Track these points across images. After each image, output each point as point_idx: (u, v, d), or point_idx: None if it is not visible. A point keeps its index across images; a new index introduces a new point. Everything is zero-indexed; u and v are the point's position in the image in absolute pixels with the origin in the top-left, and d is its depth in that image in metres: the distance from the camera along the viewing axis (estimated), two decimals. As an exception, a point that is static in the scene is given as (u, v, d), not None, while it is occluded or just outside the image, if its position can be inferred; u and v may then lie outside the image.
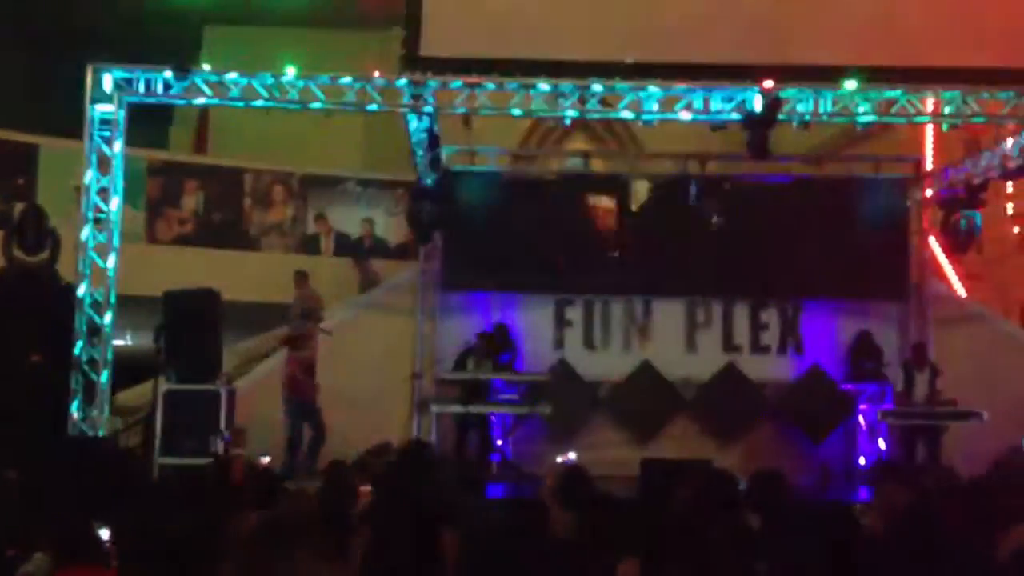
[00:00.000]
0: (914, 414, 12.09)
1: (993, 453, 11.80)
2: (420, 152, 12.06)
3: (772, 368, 13.25)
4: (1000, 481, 8.53)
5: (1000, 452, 11.90)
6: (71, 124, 11.54)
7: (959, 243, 12.96)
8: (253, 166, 15.93)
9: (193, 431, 10.34)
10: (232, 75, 10.82)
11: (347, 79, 10.83)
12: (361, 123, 15.38)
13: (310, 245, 16.16)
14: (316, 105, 10.90)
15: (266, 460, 10.49)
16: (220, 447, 10.27)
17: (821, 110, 10.83)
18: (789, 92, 10.54)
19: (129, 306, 11.36)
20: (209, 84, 10.89)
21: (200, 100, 11.14)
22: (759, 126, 10.40)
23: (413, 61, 10.74)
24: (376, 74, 10.87)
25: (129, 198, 11.94)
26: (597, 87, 10.71)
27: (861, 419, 12.86)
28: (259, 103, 10.91)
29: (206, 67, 11.09)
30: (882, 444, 12.61)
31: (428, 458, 6.87)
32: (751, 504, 5.94)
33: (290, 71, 10.76)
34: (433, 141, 11.87)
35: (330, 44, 15.81)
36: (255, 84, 10.82)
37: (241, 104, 11.04)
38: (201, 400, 10.50)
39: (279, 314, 12.85)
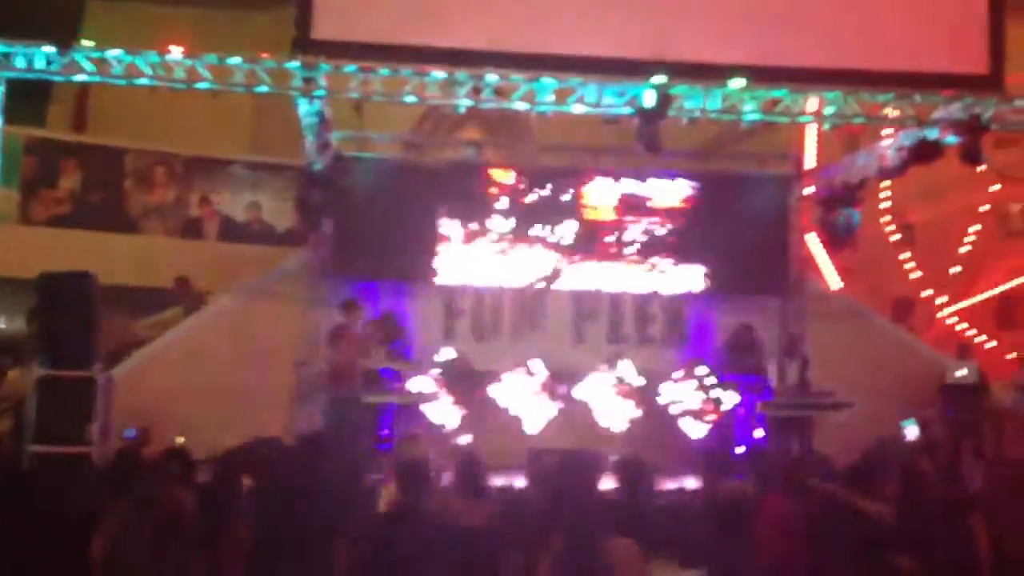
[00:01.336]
0: (790, 405, 12.44)
1: (865, 442, 12.25)
2: (310, 136, 11.87)
3: (657, 359, 13.46)
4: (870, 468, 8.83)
5: (871, 441, 12.38)
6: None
7: (837, 240, 13.40)
8: (135, 146, 15.47)
9: (67, 419, 9.98)
10: (115, 52, 10.44)
11: (235, 59, 10.57)
12: (249, 105, 15.08)
13: (193, 229, 15.79)
14: (203, 85, 10.61)
15: (180, 440, 10.22)
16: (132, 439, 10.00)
17: (709, 107, 11.04)
18: (679, 89, 10.72)
19: (1, 289, 10.92)
20: (91, 61, 10.49)
21: (82, 77, 10.72)
22: (650, 121, 10.55)
23: (305, 44, 10.52)
24: (266, 56, 10.65)
25: (4, 177, 11.48)
26: (492, 77, 10.70)
27: (741, 410, 13.17)
28: (143, 82, 10.57)
29: (88, 43, 10.67)
30: (760, 434, 12.94)
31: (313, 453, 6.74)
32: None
33: (176, 50, 10.46)
34: (324, 126, 11.70)
35: (218, 23, 15.45)
36: (139, 62, 10.48)
37: (124, 82, 10.66)
38: (76, 387, 10.13)
39: (159, 299, 12.52)
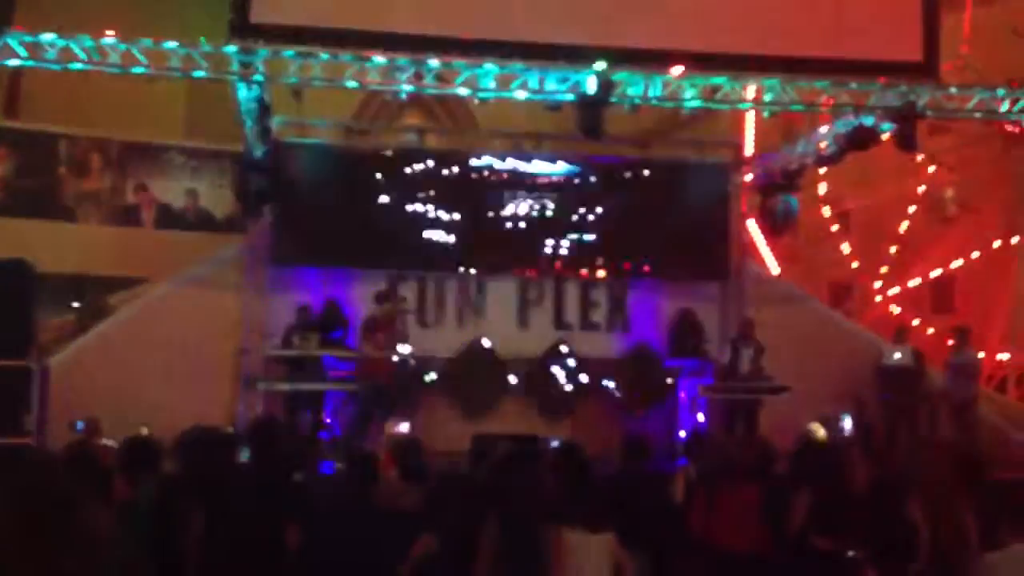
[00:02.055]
0: (729, 388, 12.59)
1: (804, 425, 12.47)
2: (249, 122, 11.68)
3: (601, 345, 13.54)
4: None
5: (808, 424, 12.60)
6: None
7: (776, 226, 13.58)
8: (69, 132, 15.14)
9: (2, 409, 9.77)
10: (49, 36, 10.21)
11: (172, 44, 10.39)
12: (185, 90, 14.84)
13: (130, 216, 15.52)
14: (138, 70, 10.41)
15: (144, 431, 10.05)
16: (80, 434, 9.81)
17: (651, 94, 11.10)
18: (620, 75, 10.75)
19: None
20: (24, 45, 10.25)
21: (14, 62, 10.47)
22: (592, 107, 10.58)
23: (242, 28, 10.36)
24: (203, 40, 10.47)
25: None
26: (434, 62, 10.64)
27: (683, 394, 13.31)
28: (77, 66, 10.35)
29: (20, 28, 10.40)
30: (701, 418, 13.08)
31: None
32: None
33: (110, 34, 10.25)
34: (263, 111, 11.53)
35: (153, 7, 15.12)
36: (73, 47, 10.26)
37: (58, 67, 10.43)
38: (11, 376, 9.91)
39: (97, 287, 12.29)
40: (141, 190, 15.53)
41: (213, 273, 13.20)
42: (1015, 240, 16.92)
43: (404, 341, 12.24)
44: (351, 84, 10.85)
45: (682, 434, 13.04)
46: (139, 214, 15.56)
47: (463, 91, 11.00)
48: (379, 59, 10.56)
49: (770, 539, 7.16)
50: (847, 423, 12.57)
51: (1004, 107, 11.81)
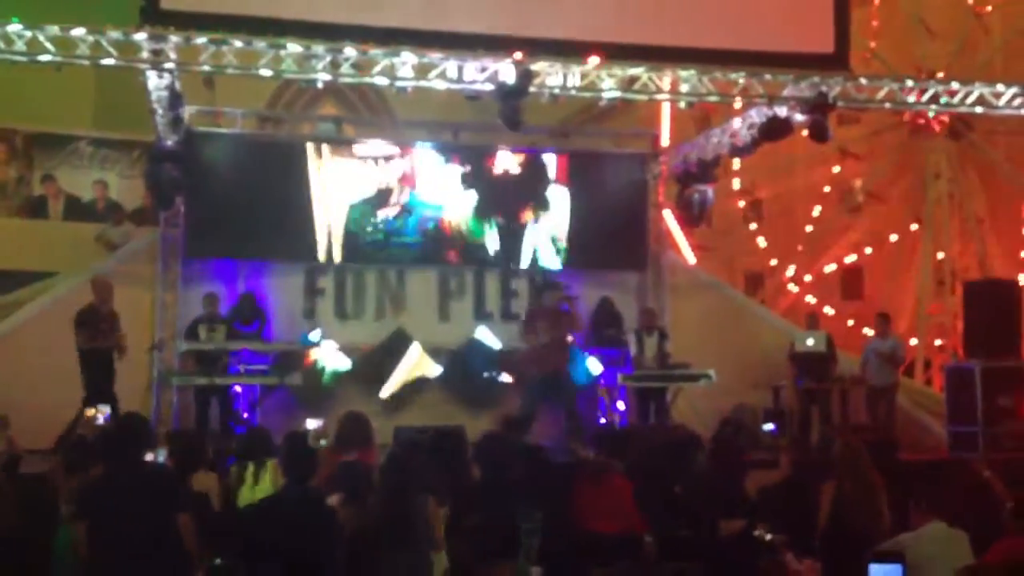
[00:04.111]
0: (651, 377, 12.73)
1: (723, 411, 12.69)
2: (160, 112, 11.41)
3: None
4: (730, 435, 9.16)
5: (727, 409, 12.82)
6: None
7: (692, 216, 13.75)
8: (-29, 122, 14.64)
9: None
10: (-51, 22, 9.84)
11: (79, 31, 10.07)
12: (93, 79, 14.46)
13: (37, 208, 15.08)
14: (45, 58, 10.08)
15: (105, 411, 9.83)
16: None
17: (569, 84, 11.13)
18: (539, 65, 10.76)
19: None
20: (-77, 31, 9.86)
21: (-87, 48, 10.05)
22: (511, 98, 10.57)
23: (153, 14, 10.10)
24: (111, 27, 10.17)
25: None
26: (350, 51, 10.51)
27: (602, 382, 13.40)
28: (-21, 53, 9.99)
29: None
30: (621, 406, 13.21)
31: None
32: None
33: (16, 20, 9.89)
34: (174, 100, 11.26)
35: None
36: (-26, 33, 9.90)
37: (-41, 54, 10.06)
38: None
39: (3, 281, 11.91)
40: (48, 181, 15.09)
41: (124, 266, 12.89)
42: (915, 227, 17.44)
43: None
44: (265, 72, 10.65)
45: (603, 422, 13.21)
46: (47, 206, 15.12)
47: (380, 80, 10.88)
48: (294, 47, 10.40)
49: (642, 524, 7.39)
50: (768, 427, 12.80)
51: (912, 98, 12.11)
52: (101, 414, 10.11)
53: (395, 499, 6.11)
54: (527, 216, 13.76)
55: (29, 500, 6.57)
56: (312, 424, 11.06)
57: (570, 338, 12.13)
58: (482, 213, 13.64)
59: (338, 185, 13.26)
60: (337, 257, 13.23)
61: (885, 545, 5.79)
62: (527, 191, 13.82)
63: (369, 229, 13.34)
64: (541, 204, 13.80)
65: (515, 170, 13.85)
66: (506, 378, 13.15)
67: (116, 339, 11.02)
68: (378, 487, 6.38)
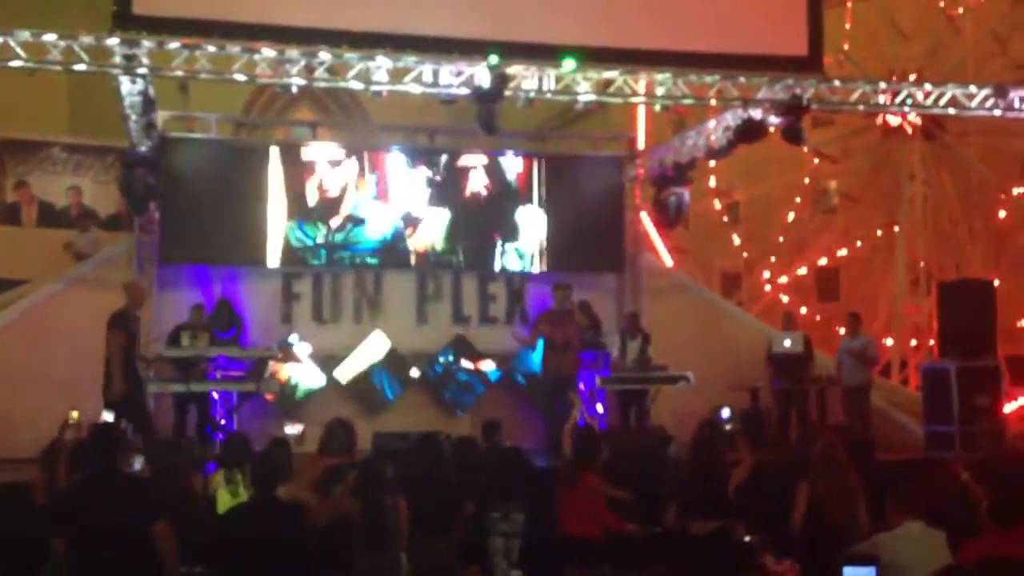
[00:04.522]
0: (629, 379, 12.74)
1: (701, 412, 12.68)
2: (133, 117, 11.32)
3: (499, 338, 13.55)
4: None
5: (705, 411, 12.82)
6: None
7: (669, 218, 13.77)
8: (-58, 128, 14.49)
9: None
10: (-81, 28, 9.73)
11: (51, 36, 9.98)
12: (65, 84, 14.35)
13: (10, 215, 14.93)
14: (17, 63, 9.97)
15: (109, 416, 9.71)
16: None
17: (545, 88, 11.13)
18: (514, 69, 10.76)
19: None
20: None
21: None
22: (487, 101, 10.56)
23: (125, 19, 10.01)
24: (83, 32, 10.08)
25: None
26: (324, 55, 10.47)
27: (581, 385, 13.40)
28: (-50, 59, 9.88)
29: None
30: (600, 408, 13.21)
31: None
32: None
33: (-15, 25, 9.81)
34: (148, 106, 11.18)
35: (31, -2, 14.56)
36: (-55, 38, 9.79)
37: (-70, 60, 9.94)
38: None
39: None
40: (21, 187, 14.95)
41: (98, 273, 12.77)
42: (895, 229, 17.54)
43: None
44: (239, 77, 10.60)
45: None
46: (20, 212, 14.99)
47: (355, 85, 10.84)
48: (268, 52, 10.35)
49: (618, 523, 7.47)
50: (726, 413, 12.83)
51: (884, 99, 12.19)
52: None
53: (369, 505, 6.35)
54: (497, 238, 13.73)
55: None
56: (290, 430, 11.04)
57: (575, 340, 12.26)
58: (452, 235, 13.55)
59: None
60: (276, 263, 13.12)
61: (862, 546, 5.81)
62: (497, 218, 13.72)
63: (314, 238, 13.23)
64: (511, 232, 13.75)
65: (483, 192, 13.72)
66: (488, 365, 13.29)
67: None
68: (354, 491, 6.62)
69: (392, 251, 13.40)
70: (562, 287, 12.60)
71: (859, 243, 18.01)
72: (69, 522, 5.60)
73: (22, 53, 9.92)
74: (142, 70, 10.29)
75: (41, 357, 11.61)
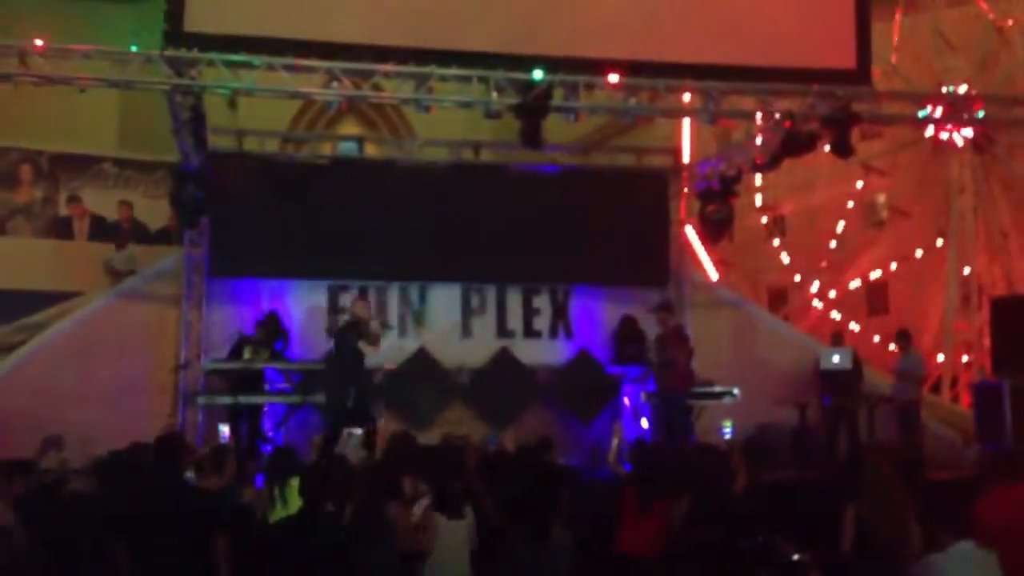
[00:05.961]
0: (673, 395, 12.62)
1: (747, 428, 12.58)
2: (184, 132, 11.49)
3: (544, 352, 13.54)
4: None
5: (751, 428, 12.71)
6: None
7: (714, 232, 13.68)
8: (-2, 143, 14.79)
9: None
10: (-26, 45, 9.93)
11: (103, 53, 10.16)
12: (116, 100, 14.57)
13: (62, 229, 15.19)
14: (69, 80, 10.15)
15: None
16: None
17: (589, 102, 11.12)
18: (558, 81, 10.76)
19: None
20: (-52, 53, 9.96)
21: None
22: (531, 115, 10.57)
23: (177, 37, 10.18)
24: (135, 48, 10.24)
25: None
26: (371, 71, 10.54)
27: (626, 400, 13.36)
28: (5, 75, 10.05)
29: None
30: (645, 424, 13.14)
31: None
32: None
33: (39, 43, 9.98)
34: (198, 121, 11.33)
35: (83, 15, 14.86)
36: None
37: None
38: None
39: (30, 302, 11.99)
40: (74, 202, 15.21)
41: (149, 286, 12.96)
42: (940, 243, 17.29)
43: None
44: (287, 92, 10.71)
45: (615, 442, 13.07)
46: (72, 227, 15.24)
47: (401, 99, 10.91)
48: (316, 67, 10.44)
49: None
50: (727, 429, 12.72)
51: (926, 111, 12.06)
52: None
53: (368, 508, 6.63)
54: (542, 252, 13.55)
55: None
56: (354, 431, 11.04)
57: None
58: (497, 249, 13.42)
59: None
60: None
61: (914, 568, 5.72)
62: (542, 232, 13.45)
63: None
64: (555, 246, 13.52)
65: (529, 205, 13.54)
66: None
67: None
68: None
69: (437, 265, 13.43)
70: (667, 307, 12.68)
71: (911, 256, 17.76)
72: (129, 529, 5.64)
73: (74, 70, 10.08)
74: (192, 87, 10.42)
75: (92, 368, 11.78)
